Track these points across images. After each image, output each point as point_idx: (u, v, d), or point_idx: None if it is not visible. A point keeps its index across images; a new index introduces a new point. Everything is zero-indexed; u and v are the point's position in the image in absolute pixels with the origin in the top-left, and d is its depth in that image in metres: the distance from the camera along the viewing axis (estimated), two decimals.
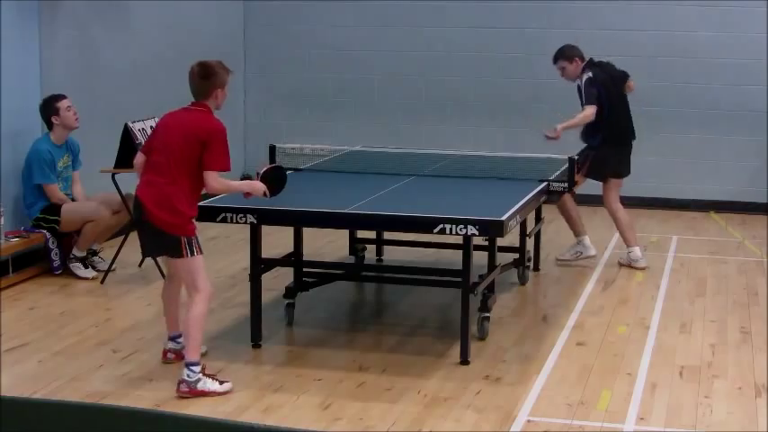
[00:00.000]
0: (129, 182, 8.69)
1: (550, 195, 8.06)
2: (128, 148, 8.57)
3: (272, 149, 8.27)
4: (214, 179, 6.08)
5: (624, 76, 9.29)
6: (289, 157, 8.37)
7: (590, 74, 8.99)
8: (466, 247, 6.50)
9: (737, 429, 5.71)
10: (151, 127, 8.82)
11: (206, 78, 6.15)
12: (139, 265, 8.80)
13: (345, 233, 8.97)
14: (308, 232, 7.79)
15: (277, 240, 8.03)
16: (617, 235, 10.29)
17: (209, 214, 6.65)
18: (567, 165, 8.02)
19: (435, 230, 6.28)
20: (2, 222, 8.26)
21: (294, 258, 7.61)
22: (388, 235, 8.88)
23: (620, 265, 9.13)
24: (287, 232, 7.60)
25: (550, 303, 8.09)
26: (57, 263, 8.55)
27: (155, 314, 7.49)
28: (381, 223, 7.15)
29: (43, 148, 8.46)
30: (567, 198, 8.97)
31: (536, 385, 6.24)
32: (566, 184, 7.92)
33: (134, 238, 8.73)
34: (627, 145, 9.33)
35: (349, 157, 8.84)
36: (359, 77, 12.53)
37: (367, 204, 6.88)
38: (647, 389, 6.22)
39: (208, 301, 6.17)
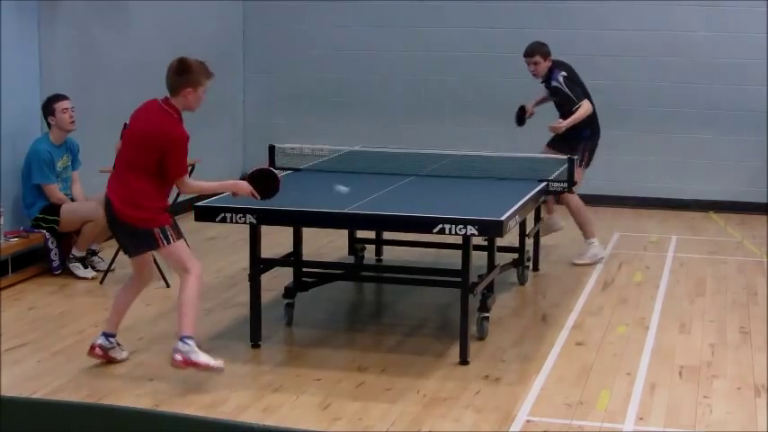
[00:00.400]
0: None
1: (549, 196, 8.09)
2: None
3: (272, 149, 8.27)
4: (184, 184, 6.18)
5: None
6: (289, 157, 8.37)
7: (564, 72, 9.16)
8: (465, 247, 6.50)
9: (737, 429, 5.72)
10: None
11: (179, 74, 6.15)
12: None
13: (345, 233, 8.97)
14: (307, 232, 7.80)
15: (276, 240, 8.04)
16: (617, 235, 10.31)
17: (209, 214, 6.66)
18: (566, 165, 8.02)
19: (435, 230, 6.28)
20: (1, 222, 8.27)
21: (293, 258, 7.61)
22: (387, 235, 8.88)
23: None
24: (286, 232, 7.60)
25: (550, 303, 8.09)
26: (56, 263, 8.55)
27: (154, 314, 7.49)
28: (381, 223, 7.16)
29: (42, 149, 8.47)
30: (572, 198, 8.98)
31: (535, 385, 6.24)
32: (565, 184, 7.93)
33: None
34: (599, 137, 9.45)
35: (349, 157, 8.84)
36: (359, 77, 12.54)
37: (367, 204, 6.88)
38: (647, 389, 6.22)
39: (199, 279, 6.22)
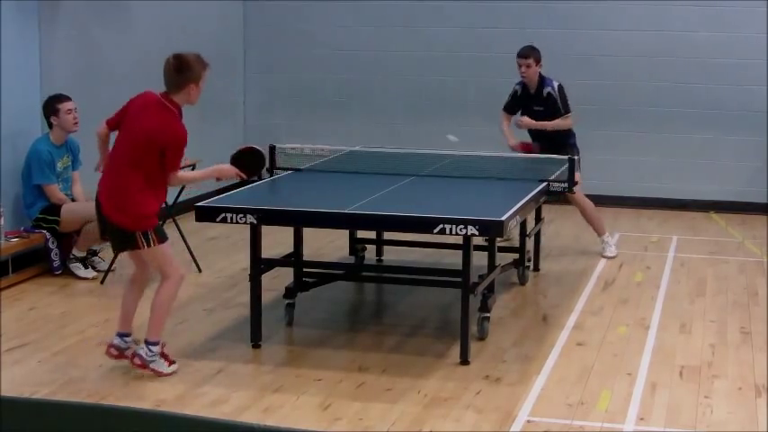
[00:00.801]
0: None
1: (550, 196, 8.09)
2: None
3: (273, 149, 8.26)
4: (174, 178, 6.23)
5: None
6: (289, 157, 8.36)
7: (558, 83, 9.32)
8: (466, 247, 6.50)
9: (737, 429, 5.71)
10: None
11: (180, 72, 6.13)
12: None
13: (345, 233, 8.97)
14: (308, 232, 7.79)
15: (277, 240, 8.03)
16: (618, 235, 10.31)
17: (210, 214, 6.66)
18: (566, 165, 8.02)
19: (435, 230, 6.28)
20: (2, 222, 8.27)
21: (294, 258, 7.61)
22: (388, 235, 8.88)
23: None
24: (287, 232, 7.60)
25: (550, 303, 8.09)
26: (56, 263, 8.55)
27: None
28: (381, 223, 7.15)
29: (43, 149, 8.46)
30: (578, 198, 9.04)
31: (536, 385, 6.24)
32: (565, 185, 7.92)
33: None
34: None
35: (349, 157, 8.83)
36: (359, 77, 12.53)
37: (367, 204, 6.87)
38: (647, 389, 6.22)
39: (177, 285, 6.27)
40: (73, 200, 8.70)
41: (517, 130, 9.55)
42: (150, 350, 6.21)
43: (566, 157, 8.21)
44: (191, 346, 6.86)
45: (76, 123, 8.56)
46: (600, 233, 9.52)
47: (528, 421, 5.73)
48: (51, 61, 9.04)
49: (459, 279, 6.60)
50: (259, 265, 6.93)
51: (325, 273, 7.78)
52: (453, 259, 7.66)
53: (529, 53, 9.27)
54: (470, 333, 6.68)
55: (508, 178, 8.06)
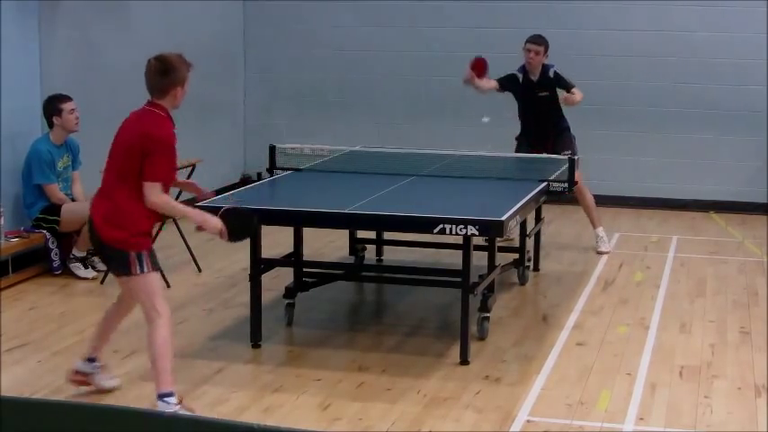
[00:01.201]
0: None
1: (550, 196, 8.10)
2: None
3: (272, 149, 8.27)
4: (151, 192, 5.52)
5: None
6: (289, 157, 8.37)
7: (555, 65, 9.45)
8: (466, 247, 6.50)
9: (737, 429, 5.71)
10: None
11: (164, 75, 5.62)
12: None
13: (345, 233, 8.97)
14: (308, 232, 7.79)
15: (277, 240, 8.04)
16: (618, 235, 10.31)
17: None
18: (566, 165, 8.02)
19: (435, 230, 6.28)
20: (2, 222, 8.27)
21: (294, 258, 7.61)
22: (388, 235, 8.88)
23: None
24: (287, 232, 7.60)
25: (550, 303, 8.09)
26: (56, 263, 8.55)
27: None
28: (381, 223, 7.15)
29: (43, 149, 8.47)
30: (581, 188, 9.09)
31: (536, 385, 6.24)
32: (566, 185, 7.92)
33: None
34: None
35: (349, 157, 8.84)
36: (359, 77, 12.54)
37: (367, 204, 6.88)
38: (647, 389, 6.22)
39: (167, 326, 5.61)
40: (73, 200, 8.70)
41: (517, 128, 9.59)
42: (167, 402, 5.52)
43: (566, 157, 8.22)
44: (191, 347, 6.87)
45: (78, 123, 8.57)
46: (595, 226, 9.67)
47: (528, 421, 5.73)
48: (51, 61, 9.04)
49: (459, 279, 6.60)
50: (259, 265, 6.93)
51: (325, 273, 7.78)
52: (453, 259, 7.66)
53: (541, 41, 9.36)
54: (470, 333, 6.68)
55: (508, 178, 8.06)
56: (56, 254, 8.54)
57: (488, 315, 7.14)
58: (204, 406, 5.85)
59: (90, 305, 7.88)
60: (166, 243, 8.69)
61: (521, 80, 9.46)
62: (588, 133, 11.23)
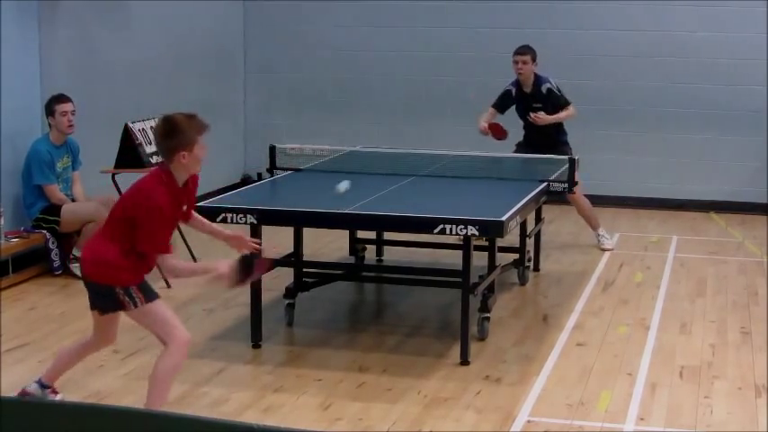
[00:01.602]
0: (129, 182, 8.69)
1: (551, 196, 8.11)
2: (128, 148, 8.60)
3: (272, 149, 8.27)
4: (163, 260, 5.38)
5: None
6: (289, 157, 8.37)
7: (554, 80, 9.50)
8: (466, 247, 6.49)
9: (737, 429, 5.71)
10: (151, 127, 8.84)
11: (167, 137, 5.28)
12: None
13: (345, 233, 8.96)
14: (308, 232, 7.79)
15: (277, 240, 8.03)
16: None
17: (209, 214, 6.63)
18: (566, 165, 8.02)
19: (435, 231, 6.28)
20: (2, 222, 8.27)
21: (294, 258, 7.61)
22: (388, 235, 8.88)
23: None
24: (287, 232, 7.59)
25: (550, 304, 8.09)
26: (57, 263, 8.55)
27: None
28: (381, 223, 7.15)
29: (42, 149, 8.46)
30: (577, 195, 9.10)
31: (536, 386, 6.24)
32: (566, 185, 7.93)
33: None
34: None
35: (349, 157, 8.84)
36: (359, 77, 12.53)
37: (367, 204, 6.88)
38: (647, 389, 6.22)
39: (182, 352, 5.38)
40: (73, 200, 8.70)
41: (515, 128, 9.60)
42: None
43: (566, 157, 8.22)
44: (191, 347, 6.79)
45: (71, 126, 8.52)
46: (595, 228, 9.74)
47: (528, 421, 5.73)
48: (51, 61, 9.04)
49: (459, 279, 6.60)
50: None
51: (325, 273, 7.78)
52: (453, 259, 7.66)
53: (526, 50, 9.45)
54: (470, 333, 6.68)
55: (508, 178, 8.06)
56: (56, 254, 8.54)
57: (488, 315, 7.14)
58: (204, 406, 5.85)
59: None
60: None
61: (514, 93, 9.50)
62: (588, 133, 11.23)
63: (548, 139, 9.36)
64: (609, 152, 11.83)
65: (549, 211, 9.47)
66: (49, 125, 8.56)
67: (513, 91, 9.53)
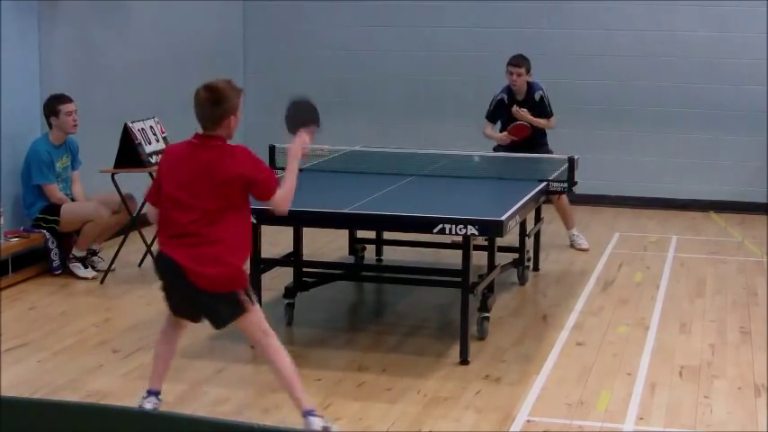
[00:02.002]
0: (129, 182, 8.72)
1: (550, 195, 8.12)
2: (127, 148, 8.60)
3: (272, 149, 8.27)
4: (276, 203, 5.36)
5: None
6: None
7: (544, 88, 9.51)
8: (465, 247, 6.50)
9: (737, 429, 5.71)
10: (151, 127, 8.85)
11: (216, 105, 5.22)
12: (139, 265, 8.83)
13: (345, 233, 8.97)
14: (307, 232, 7.80)
15: (277, 240, 8.03)
16: (617, 235, 10.32)
17: None
18: (566, 165, 8.03)
19: (435, 230, 6.28)
20: (2, 222, 8.27)
21: (294, 258, 7.61)
22: (387, 235, 8.88)
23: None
24: (287, 232, 7.60)
25: (550, 303, 8.09)
26: (56, 263, 8.55)
27: (155, 314, 7.47)
28: (381, 223, 7.15)
29: (42, 149, 8.46)
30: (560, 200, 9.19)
31: (536, 385, 6.24)
32: (565, 185, 7.93)
33: (134, 238, 8.78)
34: None
35: (349, 157, 8.84)
36: (359, 77, 12.53)
37: (367, 204, 6.88)
38: (647, 389, 6.22)
39: (280, 347, 5.41)
40: (73, 199, 8.70)
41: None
42: (317, 415, 5.35)
43: (566, 156, 8.22)
44: (191, 347, 6.86)
45: (75, 126, 8.54)
46: (569, 227, 9.77)
47: (528, 421, 5.73)
48: (51, 61, 9.04)
49: (459, 279, 6.60)
50: (259, 265, 6.93)
51: (325, 273, 7.78)
52: (453, 259, 7.66)
53: (521, 62, 9.35)
54: (470, 333, 6.68)
55: (508, 178, 8.06)
56: (56, 254, 8.54)
57: (488, 315, 7.14)
58: (204, 406, 5.86)
59: (90, 305, 7.88)
60: None
61: (506, 101, 9.46)
62: (588, 133, 11.24)
63: (531, 142, 9.33)
64: (609, 152, 11.83)
65: (548, 211, 9.47)
66: (50, 125, 8.55)
67: (506, 98, 9.47)
